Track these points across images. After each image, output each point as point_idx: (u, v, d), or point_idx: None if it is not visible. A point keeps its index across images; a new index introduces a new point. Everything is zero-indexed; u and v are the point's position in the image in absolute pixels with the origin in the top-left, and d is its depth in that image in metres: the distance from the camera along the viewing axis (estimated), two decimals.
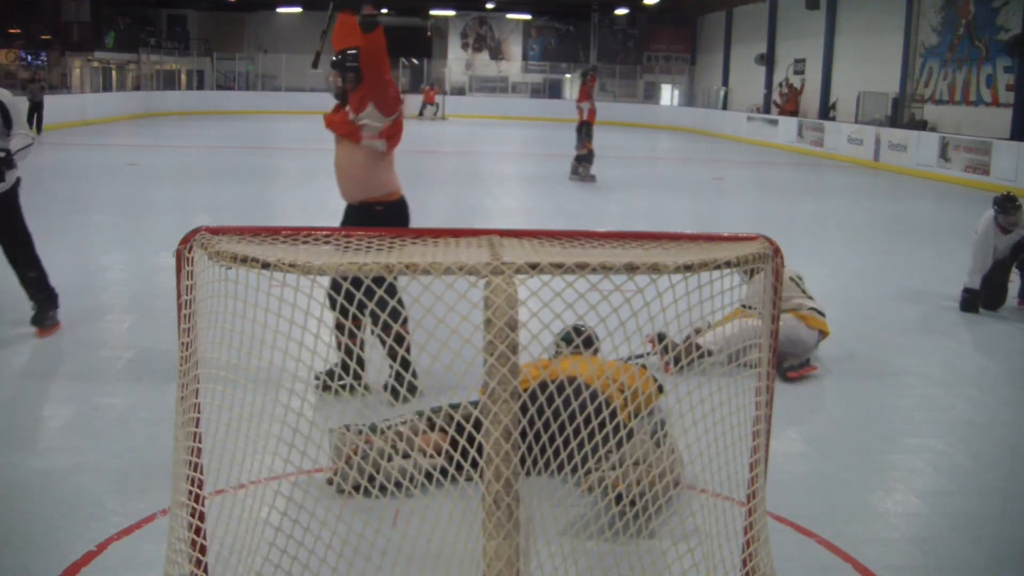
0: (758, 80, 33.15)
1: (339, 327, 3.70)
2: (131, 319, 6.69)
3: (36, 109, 22.65)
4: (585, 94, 16.36)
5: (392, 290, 2.69)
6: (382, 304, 2.50)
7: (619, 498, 3.45)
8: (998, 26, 20.74)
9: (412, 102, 36.29)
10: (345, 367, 3.93)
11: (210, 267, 2.47)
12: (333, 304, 3.54)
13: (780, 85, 31.10)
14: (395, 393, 3.47)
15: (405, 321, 4.28)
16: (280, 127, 29.76)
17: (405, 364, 4.40)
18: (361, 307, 2.52)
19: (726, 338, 5.49)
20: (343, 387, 2.76)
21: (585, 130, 16.33)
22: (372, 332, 4.72)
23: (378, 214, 4.96)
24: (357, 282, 2.44)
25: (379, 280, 2.31)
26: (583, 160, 16.44)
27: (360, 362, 4.63)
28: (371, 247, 2.49)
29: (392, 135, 4.97)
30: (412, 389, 4.80)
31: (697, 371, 5.35)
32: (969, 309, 7.75)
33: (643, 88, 41.94)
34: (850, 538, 3.69)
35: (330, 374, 4.01)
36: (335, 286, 2.62)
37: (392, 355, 4.34)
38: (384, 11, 4.74)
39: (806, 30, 29.84)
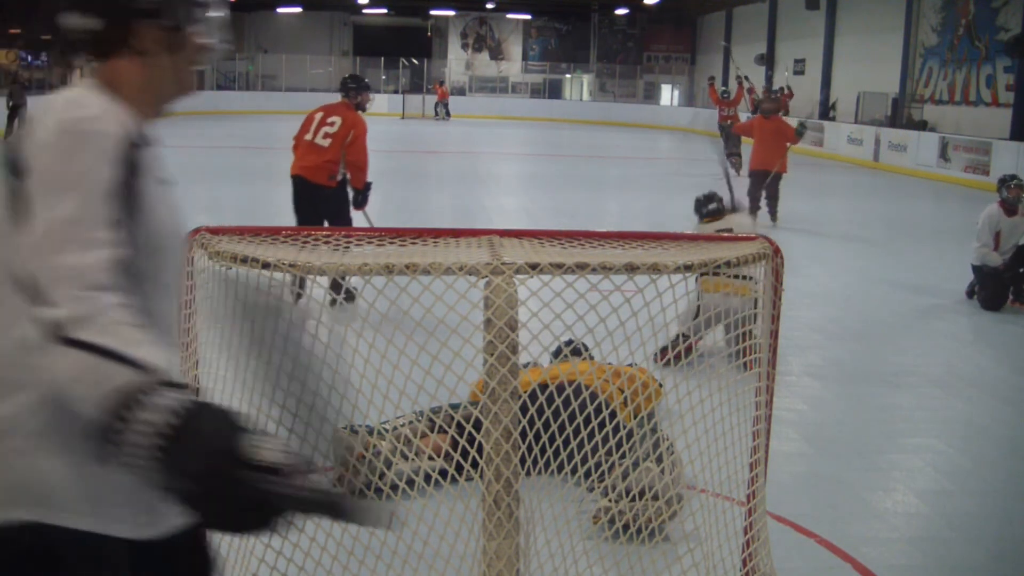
0: (758, 80, 33.10)
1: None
2: None
3: (15, 112, 20.66)
4: (738, 100, 19.00)
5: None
6: None
7: (626, 528, 3.46)
8: (998, 26, 20.73)
9: (412, 103, 36.25)
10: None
11: (210, 267, 2.47)
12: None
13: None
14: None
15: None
16: (280, 127, 29.68)
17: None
18: None
19: (679, 315, 5.40)
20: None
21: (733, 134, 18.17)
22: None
23: None
24: None
25: None
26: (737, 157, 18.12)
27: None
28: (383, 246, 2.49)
29: None
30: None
31: (696, 370, 5.35)
32: (973, 294, 7.89)
33: (643, 88, 41.91)
34: (850, 538, 3.69)
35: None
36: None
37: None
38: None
39: (806, 30, 29.82)
